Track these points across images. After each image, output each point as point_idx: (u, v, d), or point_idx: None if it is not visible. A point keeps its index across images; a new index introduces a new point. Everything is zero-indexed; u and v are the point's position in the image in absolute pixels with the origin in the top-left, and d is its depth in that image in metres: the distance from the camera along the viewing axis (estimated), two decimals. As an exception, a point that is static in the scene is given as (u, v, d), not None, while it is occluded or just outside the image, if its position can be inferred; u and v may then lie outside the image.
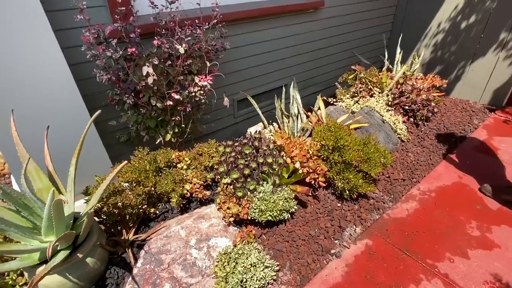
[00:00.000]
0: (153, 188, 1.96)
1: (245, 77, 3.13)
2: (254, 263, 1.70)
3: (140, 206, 1.96)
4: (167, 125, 2.29)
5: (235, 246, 1.84)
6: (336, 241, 2.13)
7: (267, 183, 2.00)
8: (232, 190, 1.95)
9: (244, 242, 1.84)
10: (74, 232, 1.43)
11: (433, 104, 3.17)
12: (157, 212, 2.15)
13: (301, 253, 2.02)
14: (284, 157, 2.15)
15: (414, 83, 3.19)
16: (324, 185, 2.13)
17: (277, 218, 1.96)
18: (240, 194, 1.94)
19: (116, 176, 1.57)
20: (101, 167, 2.16)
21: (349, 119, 2.83)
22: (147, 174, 1.98)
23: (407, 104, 3.19)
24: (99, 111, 1.59)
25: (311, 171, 2.13)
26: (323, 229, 2.18)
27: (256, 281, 1.69)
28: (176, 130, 2.33)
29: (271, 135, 2.64)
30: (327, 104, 3.26)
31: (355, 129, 2.73)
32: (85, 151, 2.15)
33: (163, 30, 2.03)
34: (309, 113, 2.72)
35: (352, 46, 4.12)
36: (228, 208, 1.92)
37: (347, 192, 2.26)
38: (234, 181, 1.95)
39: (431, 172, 2.76)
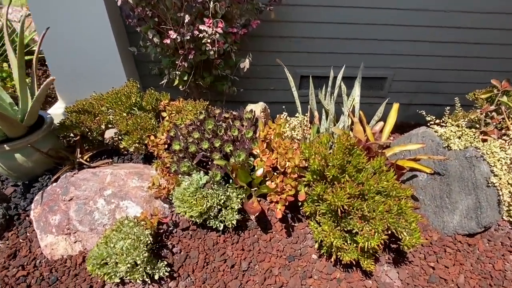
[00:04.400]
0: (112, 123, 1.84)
1: (318, 50, 2.42)
2: (125, 251, 1.36)
3: (98, 132, 1.90)
4: (176, 69, 2.05)
5: (137, 221, 1.53)
6: (270, 297, 1.47)
7: (205, 173, 1.51)
8: (170, 161, 1.59)
9: (143, 223, 1.50)
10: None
11: None
12: (129, 150, 2.05)
13: (213, 278, 1.51)
14: (258, 155, 1.55)
15: None
16: (279, 216, 1.43)
17: (198, 220, 1.48)
18: (173, 169, 1.55)
19: (46, 89, 1.50)
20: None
21: (422, 153, 1.77)
22: (119, 108, 1.86)
23: None
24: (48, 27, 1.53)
25: (278, 190, 1.46)
26: (264, 271, 1.53)
27: (118, 272, 1.36)
28: (185, 78, 2.07)
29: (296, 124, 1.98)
30: (420, 124, 2.16)
31: (412, 170, 1.69)
32: (105, 70, 2.24)
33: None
34: (355, 119, 1.83)
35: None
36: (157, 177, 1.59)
37: (321, 247, 1.47)
38: (175, 152, 1.57)
39: (535, 311, 1.44)
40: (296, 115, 1.96)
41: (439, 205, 1.73)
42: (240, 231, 1.65)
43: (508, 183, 1.67)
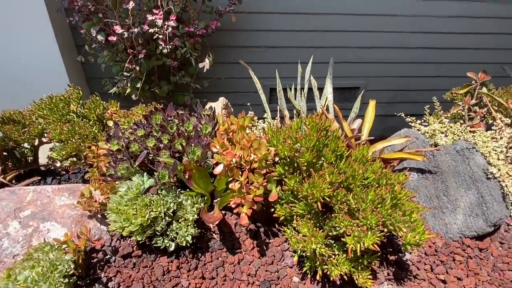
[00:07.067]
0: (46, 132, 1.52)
1: (289, 60, 2.29)
2: (30, 285, 0.97)
3: (28, 148, 1.57)
4: (127, 76, 1.82)
5: (58, 245, 1.15)
6: None
7: (150, 177, 1.20)
8: (107, 166, 1.27)
9: (64, 247, 1.12)
10: None
11: None
12: (75, 169, 1.71)
13: (161, 320, 1.11)
14: (217, 152, 1.27)
15: None
16: (244, 222, 1.11)
17: (140, 238, 1.13)
18: (108, 173, 1.23)
19: None
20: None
21: (407, 150, 1.56)
22: (54, 116, 1.56)
23: None
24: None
25: (243, 190, 1.16)
26: (231, 305, 1.15)
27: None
28: (138, 85, 1.83)
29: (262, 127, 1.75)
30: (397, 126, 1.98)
31: (400, 166, 1.46)
32: (48, 87, 1.97)
33: None
34: (329, 115, 1.63)
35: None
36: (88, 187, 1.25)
37: (302, 262, 1.14)
38: (113, 153, 1.26)
39: None
40: (264, 116, 1.74)
41: (437, 205, 1.47)
42: (199, 254, 1.28)
43: (508, 175, 1.46)
